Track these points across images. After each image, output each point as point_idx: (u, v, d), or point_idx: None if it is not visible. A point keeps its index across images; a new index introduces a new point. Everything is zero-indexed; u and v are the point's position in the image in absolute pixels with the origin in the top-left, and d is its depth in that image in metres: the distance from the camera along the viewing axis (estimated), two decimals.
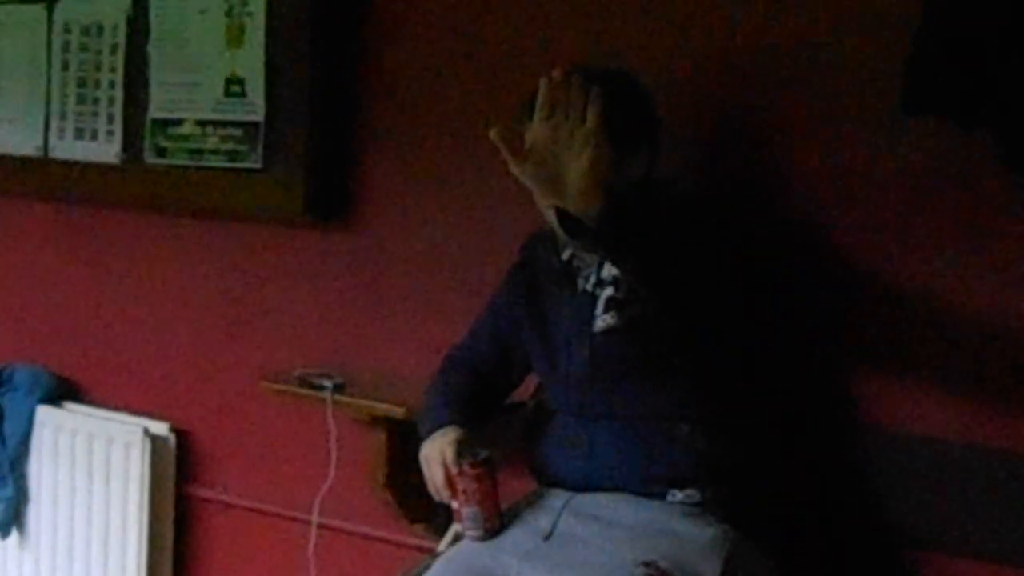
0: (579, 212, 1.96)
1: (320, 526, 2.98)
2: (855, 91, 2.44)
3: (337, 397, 2.76)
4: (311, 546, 3.00)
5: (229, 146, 3.05)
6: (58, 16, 3.37)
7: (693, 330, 2.19)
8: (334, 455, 2.87)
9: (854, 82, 2.44)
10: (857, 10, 2.47)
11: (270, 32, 2.98)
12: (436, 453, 2.32)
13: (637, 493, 2.26)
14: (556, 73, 1.96)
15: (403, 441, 2.66)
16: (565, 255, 2.33)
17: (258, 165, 3.01)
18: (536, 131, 1.99)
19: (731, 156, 2.57)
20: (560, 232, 2.08)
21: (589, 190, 1.94)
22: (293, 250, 3.11)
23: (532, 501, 2.38)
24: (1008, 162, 2.22)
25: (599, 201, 1.95)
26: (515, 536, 2.27)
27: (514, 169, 1.97)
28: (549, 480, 2.39)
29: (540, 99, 1.95)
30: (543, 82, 1.94)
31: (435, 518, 2.63)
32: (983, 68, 2.22)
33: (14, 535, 3.41)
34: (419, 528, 2.72)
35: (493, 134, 1.94)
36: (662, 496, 2.24)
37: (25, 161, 3.46)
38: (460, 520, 2.30)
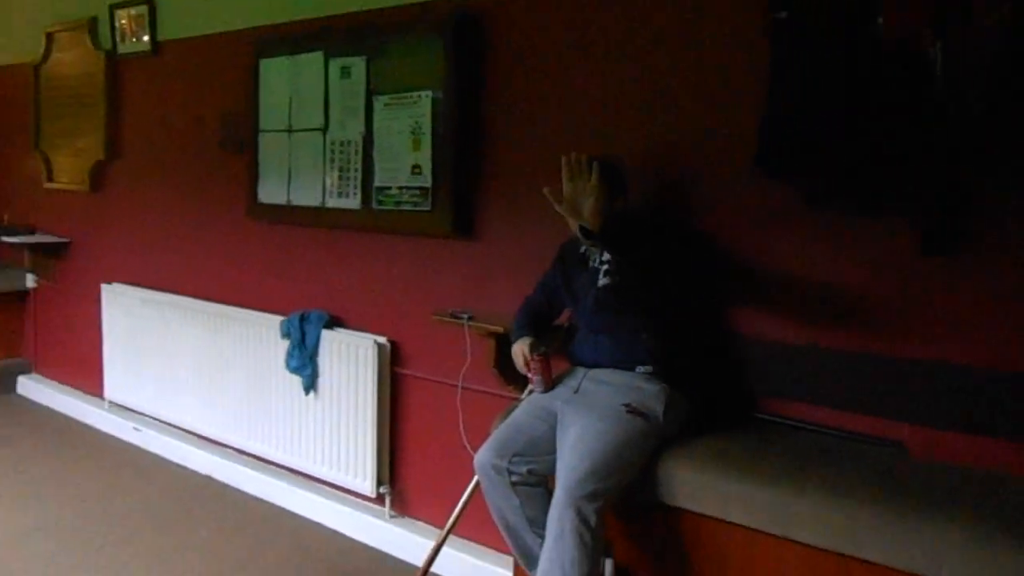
0: (591, 227, 2.04)
1: (463, 388, 2.99)
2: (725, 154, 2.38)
3: (470, 323, 2.83)
4: (458, 399, 3.02)
5: (414, 199, 3.08)
6: (328, 137, 3.40)
7: (650, 284, 2.23)
8: (468, 351, 2.91)
9: (724, 150, 2.38)
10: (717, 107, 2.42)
11: (434, 143, 3.03)
12: (519, 349, 2.41)
13: (620, 368, 2.32)
14: (573, 156, 2.04)
15: (502, 344, 2.67)
16: (582, 249, 2.39)
17: (428, 209, 3.06)
18: (565, 187, 2.07)
19: (662, 195, 2.54)
20: (581, 237, 2.16)
21: (595, 216, 2.04)
22: (446, 251, 3.13)
23: (567, 373, 2.45)
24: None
25: (600, 221, 2.02)
26: (559, 391, 2.40)
27: (557, 208, 2.08)
28: (576, 362, 2.47)
29: (565, 169, 2.05)
30: (565, 159, 2.04)
31: (518, 383, 2.62)
32: (823, 141, 2.09)
33: (312, 394, 3.43)
34: (510, 388, 2.70)
35: (546, 191, 2.06)
36: (632, 369, 2.30)
37: (312, 209, 3.49)
38: (531, 383, 2.38)
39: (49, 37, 4.94)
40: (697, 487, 2.05)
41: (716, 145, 2.43)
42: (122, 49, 4.47)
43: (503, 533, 2.29)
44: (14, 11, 5.32)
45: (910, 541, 1.73)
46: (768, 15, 2.22)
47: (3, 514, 3.46)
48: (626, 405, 2.17)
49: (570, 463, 2.05)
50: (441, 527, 2.57)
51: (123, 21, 4.43)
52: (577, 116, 2.74)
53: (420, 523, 3.21)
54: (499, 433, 2.31)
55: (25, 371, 5.33)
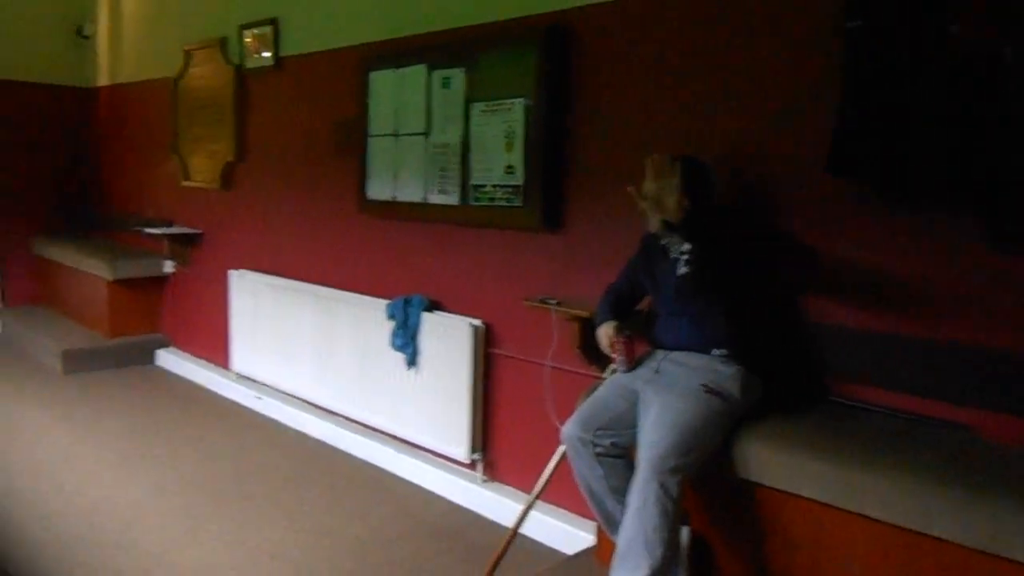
0: (673, 221, 1.99)
1: (552, 368, 2.99)
2: (800, 152, 2.33)
3: (556, 308, 2.83)
4: (546, 377, 3.02)
5: (507, 196, 3.11)
6: (430, 141, 3.44)
7: (727, 273, 2.18)
8: (555, 333, 2.92)
9: (799, 148, 2.34)
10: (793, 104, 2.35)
11: (525, 145, 3.03)
12: (604, 331, 2.38)
13: (698, 351, 2.28)
14: (657, 156, 2.01)
15: (585, 328, 2.65)
16: (663, 241, 2.31)
17: (520, 204, 3.08)
18: (649, 184, 2.04)
19: (739, 191, 2.50)
20: (663, 231, 2.10)
21: (678, 211, 1.99)
22: (535, 243, 3.11)
23: (648, 355, 2.42)
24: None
25: (683, 215, 1.98)
26: (641, 372, 2.37)
27: (640, 204, 2.05)
28: (656, 345, 2.43)
29: (649, 168, 2.03)
30: (650, 160, 2.01)
31: (600, 363, 2.59)
32: (899, 144, 2.01)
33: (413, 369, 3.49)
34: (594, 368, 2.69)
35: (630, 190, 2.02)
36: (709, 352, 2.26)
37: (415, 204, 3.52)
38: (615, 363, 2.35)
39: (187, 54, 5.14)
40: (771, 463, 2.01)
41: (791, 144, 2.38)
42: (249, 64, 4.60)
43: (587, 499, 2.29)
44: (158, 33, 5.58)
45: (981, 520, 1.65)
46: (843, 23, 2.14)
47: (149, 471, 3.62)
48: (704, 385, 2.13)
49: (652, 439, 2.03)
50: (528, 492, 2.57)
51: (249, 40, 4.57)
52: (657, 119, 2.71)
53: (509, 488, 3.22)
54: (584, 408, 2.30)
55: (163, 345, 5.54)
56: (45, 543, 2.86)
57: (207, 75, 4.95)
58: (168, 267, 5.46)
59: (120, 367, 5.30)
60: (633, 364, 2.35)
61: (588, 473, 2.23)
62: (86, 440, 3.97)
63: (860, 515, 1.85)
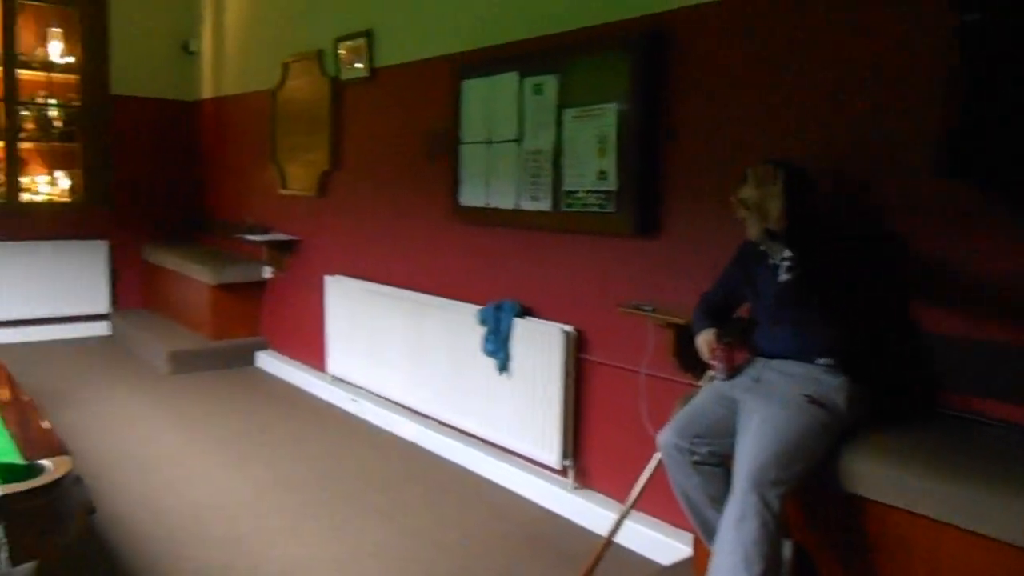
0: (776, 228, 1.95)
1: (646, 375, 2.96)
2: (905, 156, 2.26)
3: (652, 314, 2.78)
4: (641, 385, 2.99)
5: (599, 202, 3.10)
6: (522, 147, 3.46)
7: (831, 280, 2.11)
8: (651, 340, 2.90)
9: (903, 151, 2.26)
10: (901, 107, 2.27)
11: (619, 151, 3.03)
12: (704, 339, 2.36)
13: (800, 360, 2.22)
14: (760, 165, 1.97)
15: (681, 335, 2.62)
16: (762, 247, 2.26)
17: (613, 211, 3.07)
18: (750, 192, 2.01)
19: (843, 197, 2.43)
20: (766, 239, 2.06)
21: (779, 219, 1.95)
22: (628, 249, 3.10)
23: (748, 364, 2.38)
24: None
25: (786, 223, 1.93)
26: (740, 380, 2.33)
27: (741, 213, 2.03)
28: (757, 353, 2.38)
29: (751, 176, 1.99)
30: (751, 170, 1.98)
31: (696, 370, 2.54)
32: (1018, 143, 1.92)
33: (505, 374, 3.52)
34: (689, 375, 2.64)
35: (732, 199, 1.98)
36: (812, 361, 2.19)
37: (507, 211, 3.57)
38: (714, 370, 2.32)
39: (285, 67, 5.33)
40: (881, 478, 1.93)
41: (895, 147, 2.30)
42: (344, 75, 4.74)
43: (684, 508, 2.25)
44: (258, 47, 5.82)
45: None
46: (957, 17, 2.04)
47: (251, 469, 3.76)
48: (807, 396, 2.07)
49: (752, 450, 1.99)
50: (620, 500, 2.56)
51: (344, 52, 4.70)
52: (756, 122, 2.66)
53: (600, 495, 3.21)
54: (681, 416, 2.27)
55: (262, 347, 5.73)
56: (157, 538, 3.01)
57: (304, 87, 5.12)
58: (267, 272, 5.68)
59: (222, 368, 5.50)
60: (733, 372, 2.31)
61: (685, 482, 2.20)
62: (193, 438, 4.13)
63: (983, 536, 1.76)
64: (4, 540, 1.24)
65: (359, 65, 4.57)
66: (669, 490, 2.26)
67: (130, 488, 3.45)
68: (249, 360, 5.69)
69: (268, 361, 5.59)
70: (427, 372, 4.03)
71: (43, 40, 6.18)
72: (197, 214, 6.73)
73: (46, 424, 1.64)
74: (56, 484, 1.32)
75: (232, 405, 4.74)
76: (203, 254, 6.05)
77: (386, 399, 4.40)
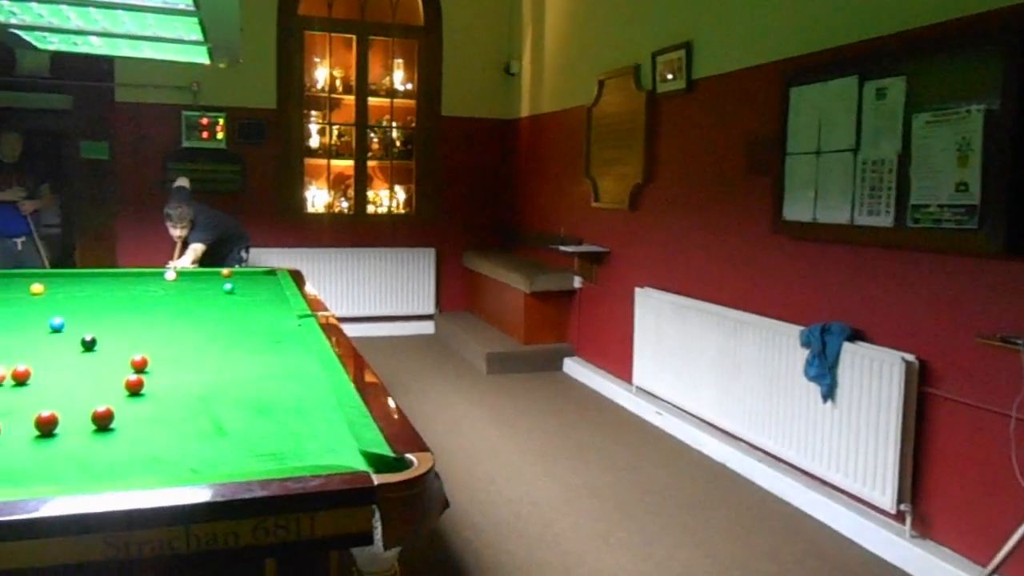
0: None
1: (1017, 419, 2.57)
2: None
3: None
4: (1011, 429, 2.60)
5: (957, 217, 2.77)
6: (859, 157, 3.21)
7: None
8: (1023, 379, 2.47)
9: None
10: None
11: (984, 161, 2.68)
12: None
13: None
14: None
15: None
16: None
17: (974, 227, 2.72)
18: None
19: None
20: None
21: None
22: (994, 271, 2.72)
23: None
24: None
25: None
26: None
27: None
28: None
29: None
30: None
31: None
32: None
33: (830, 402, 3.29)
34: None
35: None
36: None
37: (838, 226, 3.30)
38: None
39: (600, 84, 5.52)
40: None
41: None
42: (660, 89, 4.75)
43: None
44: (574, 65, 6.07)
45: None
46: None
47: (560, 471, 3.89)
48: None
49: None
50: (970, 557, 2.22)
51: (661, 65, 4.68)
52: None
53: (945, 549, 2.86)
54: None
55: (569, 354, 6.00)
56: (482, 528, 3.21)
57: (618, 101, 5.23)
58: (577, 282, 5.88)
59: (532, 371, 5.88)
60: None
61: None
62: (509, 436, 4.41)
63: None
64: (379, 523, 1.35)
65: (672, 77, 4.54)
66: None
67: (457, 478, 3.74)
68: (557, 366, 5.98)
69: (575, 368, 5.79)
70: (739, 392, 3.89)
71: (388, 70, 7.29)
72: (513, 225, 7.20)
73: (406, 419, 1.79)
74: (422, 478, 1.42)
75: (541, 407, 4.99)
76: (518, 263, 6.44)
77: (692, 415, 4.34)
